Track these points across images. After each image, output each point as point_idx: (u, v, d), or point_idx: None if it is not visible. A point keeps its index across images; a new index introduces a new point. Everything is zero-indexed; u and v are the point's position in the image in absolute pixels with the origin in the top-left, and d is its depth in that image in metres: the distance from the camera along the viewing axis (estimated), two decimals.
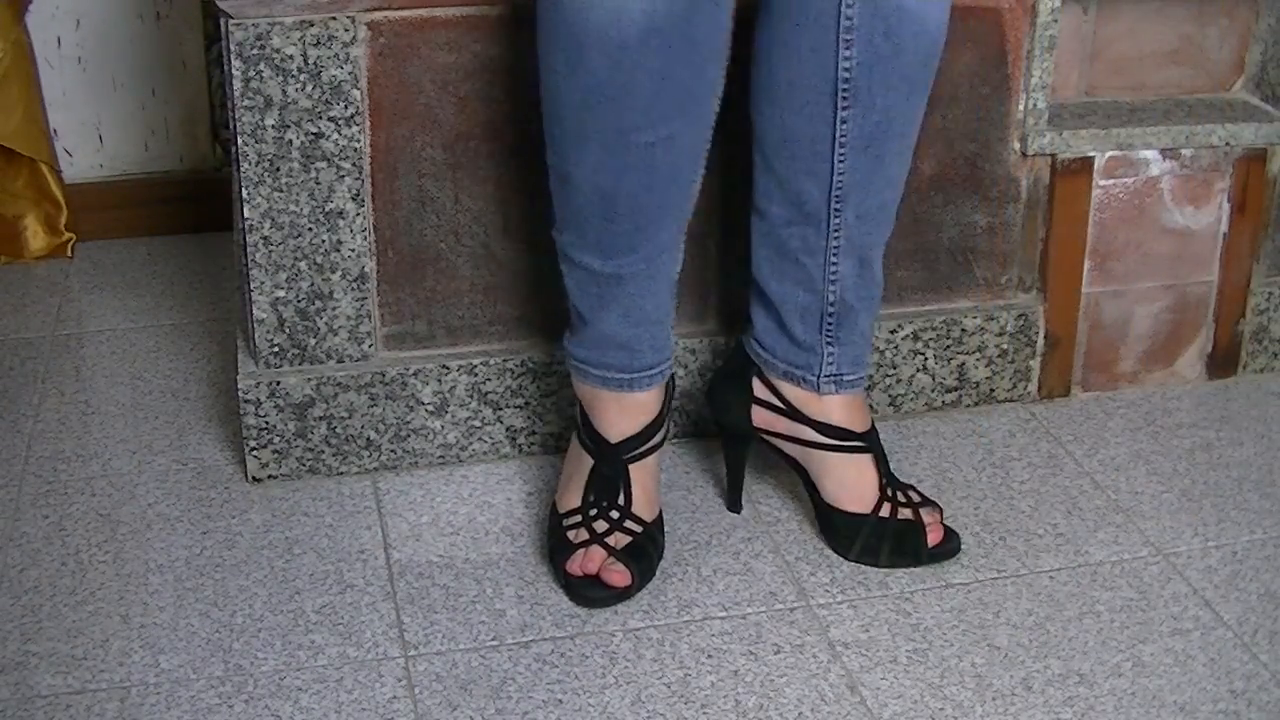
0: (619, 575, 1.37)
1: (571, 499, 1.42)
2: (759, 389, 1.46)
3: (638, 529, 1.40)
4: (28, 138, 1.99)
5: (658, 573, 1.42)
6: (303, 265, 1.49)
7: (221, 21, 1.42)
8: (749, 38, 1.35)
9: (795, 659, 1.30)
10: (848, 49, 1.29)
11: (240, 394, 1.52)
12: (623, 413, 1.41)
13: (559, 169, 1.33)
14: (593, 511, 1.39)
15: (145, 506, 1.51)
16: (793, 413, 1.44)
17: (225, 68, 1.44)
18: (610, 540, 1.38)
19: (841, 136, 1.33)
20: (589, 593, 1.37)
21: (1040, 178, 1.64)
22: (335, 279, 1.51)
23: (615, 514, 1.39)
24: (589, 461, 1.42)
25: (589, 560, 1.38)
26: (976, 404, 1.71)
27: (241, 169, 1.45)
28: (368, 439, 1.56)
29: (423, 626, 1.35)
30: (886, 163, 1.36)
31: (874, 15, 1.28)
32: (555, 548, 1.41)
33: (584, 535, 1.39)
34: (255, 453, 1.54)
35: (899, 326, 1.64)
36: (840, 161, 1.34)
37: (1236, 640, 1.35)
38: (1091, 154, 1.64)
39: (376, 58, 1.45)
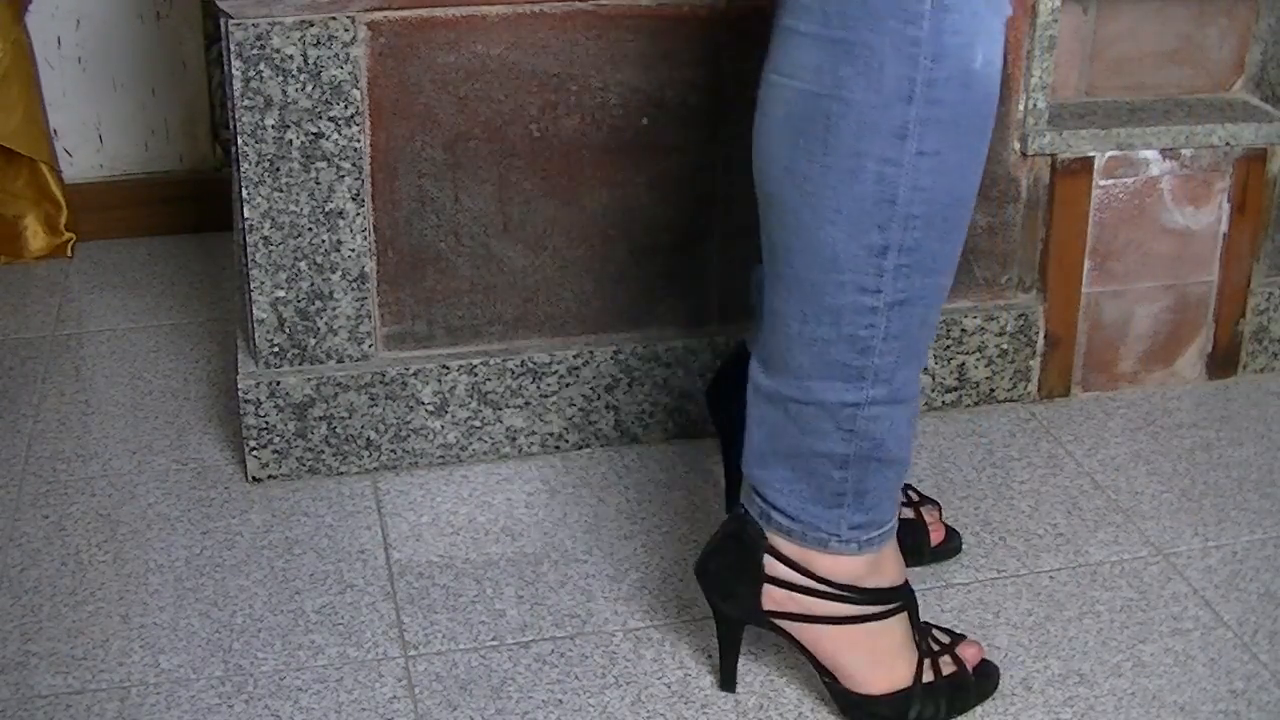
0: (978, 646, 1.29)
1: (907, 665, 1.23)
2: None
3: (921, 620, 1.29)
4: (28, 138, 1.99)
5: (658, 573, 1.42)
6: (303, 265, 1.49)
7: (221, 21, 1.42)
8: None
9: (794, 658, 1.30)
10: None
11: (240, 394, 1.52)
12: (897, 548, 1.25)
13: (916, 293, 1.11)
14: (932, 648, 1.26)
15: (145, 506, 1.51)
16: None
17: (225, 68, 1.44)
18: (951, 639, 1.28)
19: None
20: (995, 673, 1.29)
21: (1040, 178, 1.64)
22: (335, 279, 1.51)
23: (929, 630, 1.28)
24: (897, 622, 1.23)
25: (969, 651, 1.27)
26: (976, 404, 1.71)
27: (241, 169, 1.45)
28: (368, 439, 1.56)
29: (423, 626, 1.35)
30: None
31: None
32: (953, 696, 1.25)
33: (931, 664, 1.25)
34: (255, 453, 1.54)
35: None
36: None
37: (1236, 640, 1.35)
38: (1091, 154, 1.64)
39: (376, 58, 1.45)
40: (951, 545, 1.44)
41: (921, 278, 1.10)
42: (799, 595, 1.20)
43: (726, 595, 1.23)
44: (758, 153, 1.13)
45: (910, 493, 1.45)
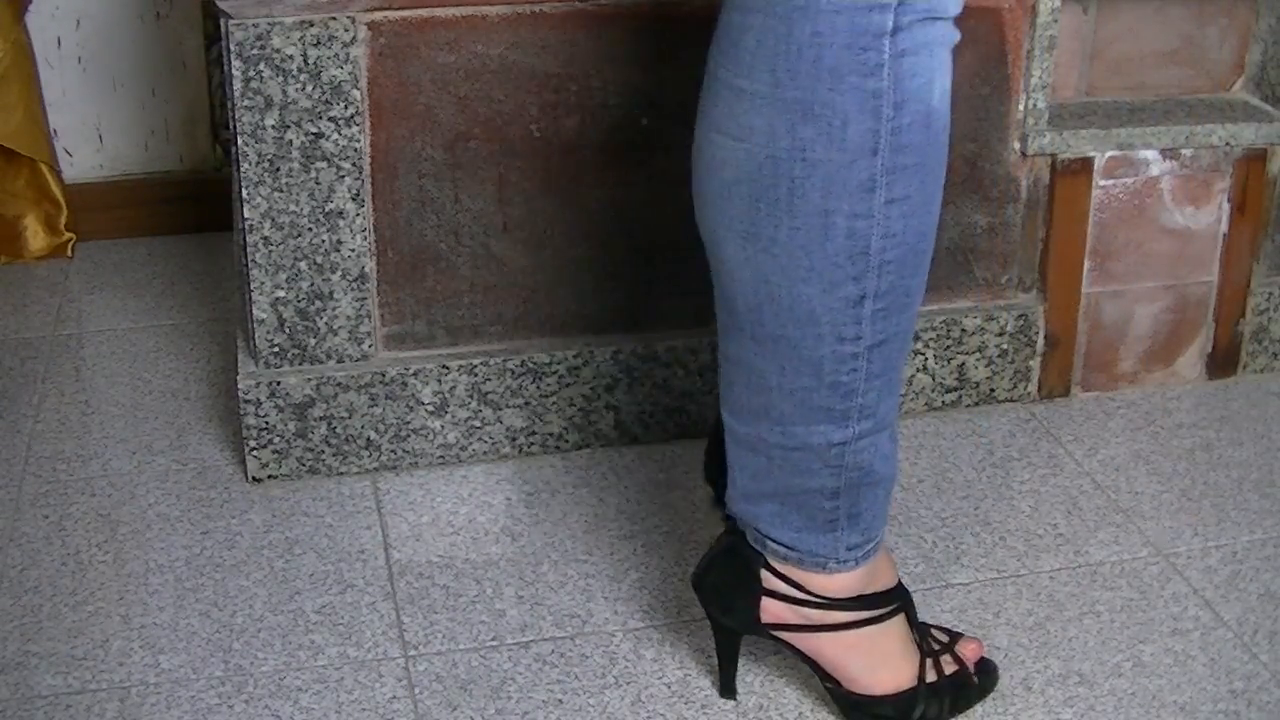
0: (977, 643, 1.28)
1: (910, 665, 1.22)
2: None
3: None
4: (28, 138, 1.99)
5: (658, 573, 1.42)
6: (303, 265, 1.49)
7: (221, 21, 1.42)
8: None
9: (794, 659, 1.30)
10: None
11: (240, 394, 1.52)
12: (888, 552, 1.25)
13: (893, 330, 1.09)
14: (933, 647, 1.26)
15: (145, 506, 1.51)
16: None
17: (225, 68, 1.44)
18: (950, 638, 1.28)
19: None
20: (995, 670, 1.29)
21: (1040, 178, 1.64)
22: (335, 279, 1.51)
23: (927, 630, 1.28)
24: (896, 623, 1.22)
25: (969, 649, 1.27)
26: (976, 404, 1.71)
27: (241, 169, 1.45)
28: (368, 439, 1.56)
29: (423, 626, 1.35)
30: None
31: None
32: (956, 695, 1.25)
33: (933, 664, 1.24)
34: (255, 453, 1.54)
35: None
36: None
37: (1236, 640, 1.35)
38: (1091, 154, 1.64)
39: (376, 58, 1.45)
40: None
41: (898, 315, 1.08)
42: (798, 607, 1.20)
43: (725, 608, 1.22)
44: (706, 216, 1.08)
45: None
